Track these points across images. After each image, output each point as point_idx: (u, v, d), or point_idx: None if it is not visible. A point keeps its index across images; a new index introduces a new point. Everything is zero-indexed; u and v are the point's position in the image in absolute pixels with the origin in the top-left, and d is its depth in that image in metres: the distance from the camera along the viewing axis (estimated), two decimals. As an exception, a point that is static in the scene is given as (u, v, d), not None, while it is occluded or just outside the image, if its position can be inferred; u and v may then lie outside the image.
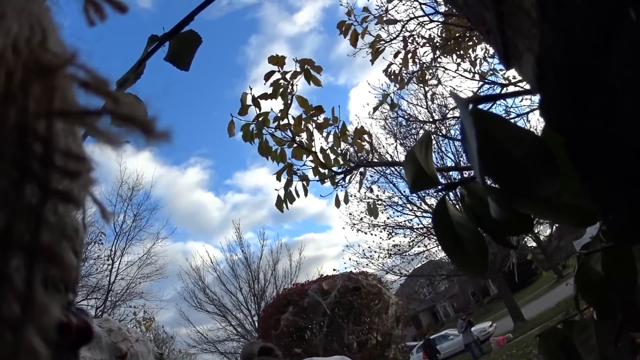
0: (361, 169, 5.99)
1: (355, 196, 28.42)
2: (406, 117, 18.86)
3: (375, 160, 6.60)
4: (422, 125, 19.44)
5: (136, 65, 1.34)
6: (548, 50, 0.58)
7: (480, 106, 0.69)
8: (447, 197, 1.02)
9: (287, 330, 8.93)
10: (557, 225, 36.33)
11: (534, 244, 41.26)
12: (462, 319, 26.56)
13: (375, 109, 10.58)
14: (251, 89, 4.97)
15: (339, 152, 5.68)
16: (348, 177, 5.89)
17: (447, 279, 41.52)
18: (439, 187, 1.00)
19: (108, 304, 30.11)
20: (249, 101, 5.00)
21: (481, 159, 0.62)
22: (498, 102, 11.74)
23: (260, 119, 5.14)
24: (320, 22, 66.94)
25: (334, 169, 5.60)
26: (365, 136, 6.11)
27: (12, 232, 0.33)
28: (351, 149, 6.08)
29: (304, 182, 5.45)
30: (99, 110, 0.38)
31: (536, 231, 36.49)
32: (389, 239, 31.76)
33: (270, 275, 38.81)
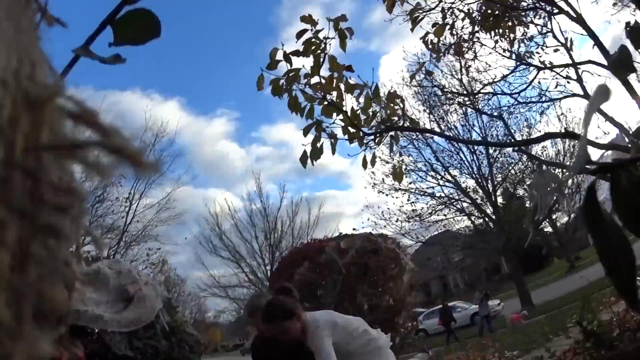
0: (392, 133, 5.95)
1: (380, 157, 28.36)
2: (440, 87, 18.70)
3: (407, 126, 6.49)
4: (455, 96, 19.25)
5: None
6: None
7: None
8: (595, 189, 0.93)
9: (300, 285, 8.92)
10: (574, 214, 36.25)
11: (550, 230, 41.13)
12: (480, 291, 26.50)
13: (412, 76, 10.51)
14: (282, 45, 4.98)
15: (369, 113, 5.70)
16: (377, 139, 5.86)
17: (462, 251, 41.48)
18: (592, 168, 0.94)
19: (122, 245, 30.34)
20: (279, 56, 4.99)
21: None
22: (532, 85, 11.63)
23: (290, 74, 5.14)
24: (354, -14, 66.05)
25: (364, 129, 5.58)
26: (398, 100, 6.05)
27: (0, 268, 0.34)
28: (382, 112, 6.02)
29: (332, 140, 5.44)
30: (89, 142, 0.38)
31: (554, 217, 36.32)
32: (409, 203, 31.62)
33: (287, 227, 38.98)
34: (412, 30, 8.05)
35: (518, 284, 29.51)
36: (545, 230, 41.78)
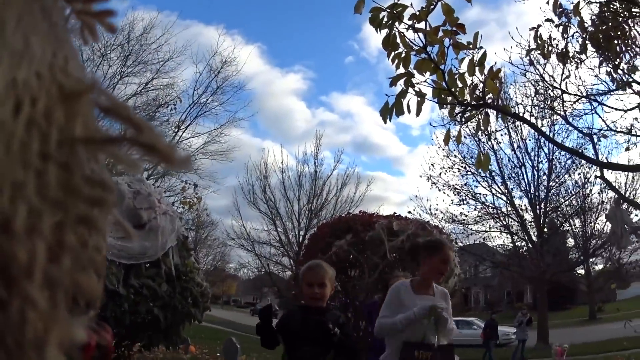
0: (486, 110, 5.37)
1: (443, 149, 28.02)
2: (547, 87, 17.74)
3: (504, 107, 5.76)
4: (554, 99, 18.30)
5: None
6: None
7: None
8: None
9: (336, 258, 8.10)
10: (609, 264, 35.62)
11: (582, 272, 40.49)
12: (523, 313, 25.63)
13: (528, 52, 9.77)
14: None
15: (468, 82, 5.15)
16: (468, 114, 5.27)
17: (493, 268, 40.87)
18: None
19: (159, 170, 29.64)
20: (388, -18, 4.43)
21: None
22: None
23: (395, 10, 4.59)
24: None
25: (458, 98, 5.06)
26: (498, 79, 5.37)
27: (35, 257, 0.35)
28: (480, 86, 5.26)
29: (419, 99, 4.86)
30: (121, 137, 0.40)
31: (591, 260, 35.68)
32: (458, 205, 31.31)
33: (332, 196, 38.44)
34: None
35: (540, 317, 28.74)
36: (578, 272, 41.12)
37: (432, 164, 29.90)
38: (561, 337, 25.65)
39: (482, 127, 5.58)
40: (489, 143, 28.93)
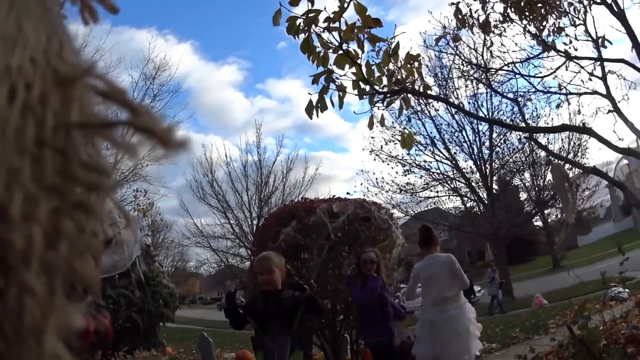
0: (404, 95, 5.73)
1: (387, 120, 28.30)
2: (462, 57, 18.18)
3: (421, 90, 6.19)
4: (475, 70, 18.75)
5: None
6: None
7: None
8: None
9: (285, 245, 8.58)
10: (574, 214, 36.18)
11: (541, 224, 41.20)
12: (492, 269, 26.14)
13: (438, 39, 10.24)
14: (306, -18, 4.72)
15: (385, 71, 5.42)
16: (388, 100, 5.69)
17: (449, 231, 41.44)
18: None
19: (110, 182, 29.96)
20: (303, -8, 4.68)
21: None
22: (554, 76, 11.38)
23: (311, 15, 4.89)
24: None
25: (376, 87, 5.44)
26: (416, 63, 5.75)
27: (32, 244, 0.35)
28: (398, 72, 5.70)
29: (341, 93, 5.27)
30: (117, 121, 0.40)
31: (546, 212, 36.42)
32: (404, 175, 31.37)
33: (280, 182, 38.68)
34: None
35: (501, 272, 29.42)
36: (536, 224, 41.82)
37: (372, 137, 30.15)
38: (526, 288, 26.19)
39: (405, 108, 6.02)
40: (427, 110, 29.36)
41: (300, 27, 4.91)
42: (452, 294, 6.66)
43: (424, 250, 7.01)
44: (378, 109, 5.80)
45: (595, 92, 11.28)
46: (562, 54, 10.03)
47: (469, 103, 30.10)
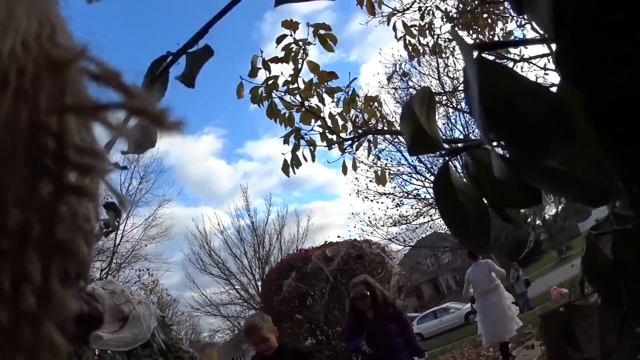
0: (370, 136, 5.98)
1: (363, 162, 28.47)
2: (417, 88, 18.67)
3: (385, 129, 6.54)
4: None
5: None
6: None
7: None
8: (450, 164, 0.94)
9: (290, 296, 8.97)
10: (562, 204, 36.29)
11: (534, 223, 41.20)
12: (514, 268, 26.38)
13: (389, 78, 10.59)
14: (262, 52, 4.95)
15: (348, 118, 5.69)
16: (356, 144, 5.91)
17: (451, 252, 41.53)
18: (442, 151, 0.92)
19: (113, 266, 30.28)
20: (259, 64, 4.95)
21: (485, 110, 0.54)
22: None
23: (270, 82, 5.11)
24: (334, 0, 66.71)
25: (342, 135, 5.59)
26: (375, 103, 6.08)
27: (27, 228, 0.35)
28: (360, 116, 6.04)
29: (311, 147, 5.45)
30: (111, 103, 0.39)
31: (543, 210, 36.48)
32: (395, 208, 31.71)
33: (275, 240, 38.73)
34: (395, 35, 8.07)
35: (508, 278, 29.58)
36: (535, 223, 41.82)
37: (356, 178, 30.51)
38: (540, 286, 26.39)
39: (374, 148, 6.33)
40: (403, 140, 29.55)
41: (263, 95, 5.14)
42: (492, 287, 9.85)
43: (471, 260, 10.61)
44: (349, 154, 5.99)
45: (552, 85, 11.53)
46: (510, 59, 10.28)
47: (443, 124, 30.52)
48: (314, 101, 5.42)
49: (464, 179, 0.95)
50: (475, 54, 0.59)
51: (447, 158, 0.95)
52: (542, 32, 0.60)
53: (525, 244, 43.80)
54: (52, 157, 0.36)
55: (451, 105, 21.25)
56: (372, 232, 30.74)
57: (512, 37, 10.38)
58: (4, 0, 0.36)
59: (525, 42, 2.74)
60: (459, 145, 0.96)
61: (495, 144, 0.66)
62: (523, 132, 0.59)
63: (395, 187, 31.31)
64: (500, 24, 9.55)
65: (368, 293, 6.07)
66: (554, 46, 0.55)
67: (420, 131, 0.84)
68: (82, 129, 0.40)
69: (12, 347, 0.34)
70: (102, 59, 0.39)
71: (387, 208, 31.51)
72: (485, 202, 0.91)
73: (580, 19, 0.49)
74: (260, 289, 34.71)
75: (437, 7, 9.09)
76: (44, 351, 0.35)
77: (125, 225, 30.96)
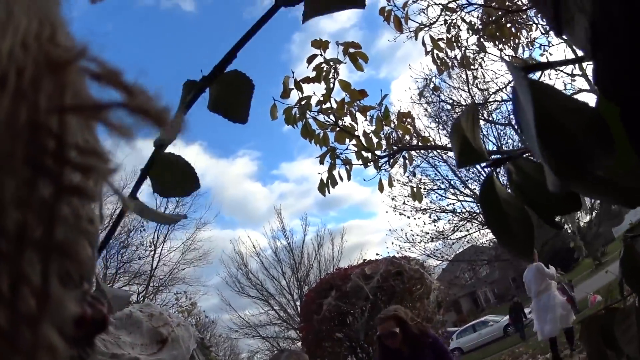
0: (405, 153, 5.97)
1: (398, 180, 28.42)
2: (449, 101, 18.73)
3: (419, 144, 6.55)
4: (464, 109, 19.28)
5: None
6: (604, 6, 0.55)
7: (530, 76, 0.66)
8: (494, 174, 0.98)
9: (330, 314, 9.00)
10: (596, 211, 35.97)
11: (572, 230, 40.79)
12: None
13: (420, 93, 10.60)
14: (293, 72, 4.94)
15: (382, 135, 5.69)
16: (391, 161, 5.89)
17: (488, 264, 41.27)
18: (487, 162, 0.96)
19: (150, 290, 30.51)
20: (291, 85, 4.97)
21: (538, 127, 0.59)
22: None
23: (302, 102, 5.13)
24: (360, 18, 66.53)
25: (377, 152, 5.60)
26: (408, 119, 6.08)
27: (26, 229, 0.34)
28: (394, 133, 6.05)
29: (347, 166, 5.47)
30: (112, 103, 0.38)
31: (576, 217, 36.13)
32: (432, 223, 31.67)
33: (313, 260, 38.85)
34: (425, 50, 8.06)
35: (548, 287, 29.30)
36: (569, 231, 41.43)
37: (392, 197, 30.49)
38: (577, 293, 26.17)
39: (409, 164, 6.34)
40: (437, 156, 29.74)
41: (297, 116, 5.13)
42: (543, 287, 10.71)
43: (527, 263, 11.16)
44: (385, 171, 5.97)
45: (580, 91, 11.45)
46: (539, 65, 10.16)
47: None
48: (347, 120, 5.42)
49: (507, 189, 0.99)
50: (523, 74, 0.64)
51: (492, 169, 0.99)
52: (580, 51, 0.65)
53: (564, 253, 43.49)
54: (52, 158, 0.36)
55: (483, 117, 21.26)
56: (409, 249, 30.74)
57: (537, 45, 10.36)
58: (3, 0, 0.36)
59: (566, 62, 2.75)
60: (501, 156, 1.00)
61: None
62: (567, 145, 0.64)
63: (431, 202, 31.21)
64: (524, 32, 9.49)
65: (398, 330, 5.34)
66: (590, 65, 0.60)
67: (467, 144, 0.89)
68: (84, 129, 0.40)
69: (10, 349, 0.33)
70: (102, 58, 0.39)
71: (424, 224, 31.44)
72: (528, 210, 0.95)
73: (615, 41, 0.54)
74: (299, 309, 34.75)
75: (463, 20, 9.08)
76: (42, 353, 0.34)
77: (162, 249, 31.18)
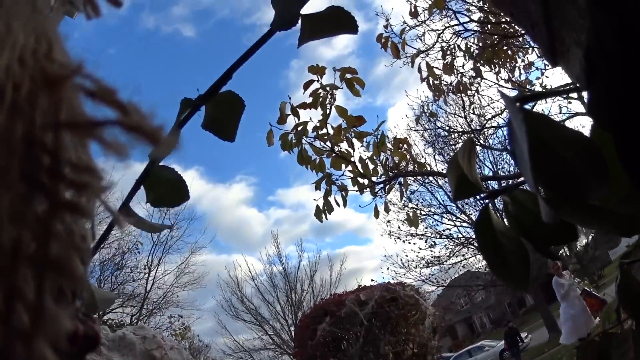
0: (401, 179, 5.97)
1: (395, 204, 28.44)
2: (445, 127, 18.80)
3: (415, 170, 6.57)
4: (460, 135, 19.36)
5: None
6: (598, 39, 0.55)
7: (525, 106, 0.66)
8: (489, 206, 0.98)
9: (324, 340, 8.97)
10: (592, 234, 36.09)
11: (569, 254, 40.86)
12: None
13: (417, 119, 10.61)
14: (290, 98, 4.97)
15: (378, 162, 5.68)
16: (387, 187, 5.88)
17: (484, 290, 41.20)
18: (482, 195, 0.96)
19: (144, 312, 30.40)
20: (287, 110, 4.98)
21: (533, 160, 0.60)
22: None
23: (299, 128, 5.13)
24: (358, 45, 67.13)
25: (373, 179, 5.60)
26: (405, 145, 6.09)
27: (21, 244, 0.33)
28: (390, 159, 6.05)
29: (343, 192, 5.47)
30: (106, 120, 0.38)
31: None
32: (428, 249, 31.62)
33: (307, 286, 38.59)
34: (421, 77, 8.08)
35: (543, 312, 29.23)
36: (565, 255, 41.45)
37: (387, 222, 30.56)
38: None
39: (405, 190, 6.35)
40: (433, 182, 29.82)
41: (293, 142, 5.14)
42: (563, 295, 11.03)
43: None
44: (380, 197, 5.96)
45: (577, 114, 11.45)
46: (533, 91, 10.18)
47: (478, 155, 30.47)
48: (344, 146, 5.40)
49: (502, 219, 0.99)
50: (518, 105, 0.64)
51: (486, 201, 1.00)
52: (575, 82, 0.65)
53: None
54: (47, 174, 0.36)
55: (479, 143, 21.34)
56: (405, 274, 30.68)
57: (534, 69, 10.41)
58: (1, 15, 0.36)
59: (561, 92, 2.77)
60: (496, 187, 1.01)
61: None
62: (559, 175, 0.65)
63: (427, 228, 31.22)
64: (520, 55, 9.62)
65: None
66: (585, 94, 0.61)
67: (463, 179, 0.89)
68: (78, 146, 0.39)
69: None
70: (97, 75, 0.38)
71: (420, 249, 31.42)
72: (524, 241, 0.95)
73: (609, 72, 0.55)
74: (293, 334, 34.65)
75: (458, 47, 9.12)
76: None
77: (156, 272, 31.17)
